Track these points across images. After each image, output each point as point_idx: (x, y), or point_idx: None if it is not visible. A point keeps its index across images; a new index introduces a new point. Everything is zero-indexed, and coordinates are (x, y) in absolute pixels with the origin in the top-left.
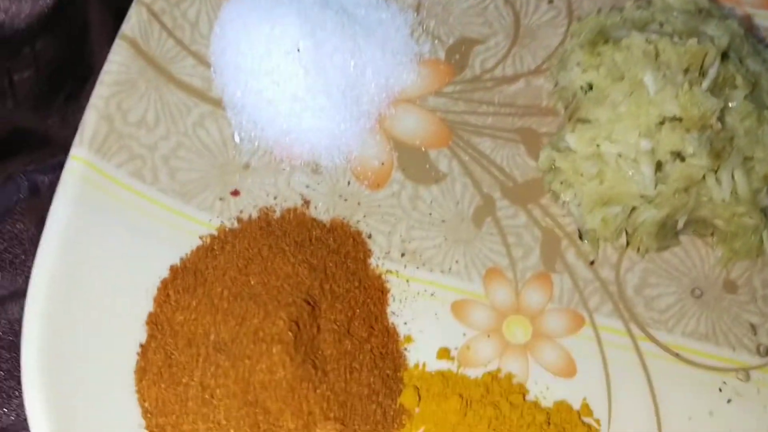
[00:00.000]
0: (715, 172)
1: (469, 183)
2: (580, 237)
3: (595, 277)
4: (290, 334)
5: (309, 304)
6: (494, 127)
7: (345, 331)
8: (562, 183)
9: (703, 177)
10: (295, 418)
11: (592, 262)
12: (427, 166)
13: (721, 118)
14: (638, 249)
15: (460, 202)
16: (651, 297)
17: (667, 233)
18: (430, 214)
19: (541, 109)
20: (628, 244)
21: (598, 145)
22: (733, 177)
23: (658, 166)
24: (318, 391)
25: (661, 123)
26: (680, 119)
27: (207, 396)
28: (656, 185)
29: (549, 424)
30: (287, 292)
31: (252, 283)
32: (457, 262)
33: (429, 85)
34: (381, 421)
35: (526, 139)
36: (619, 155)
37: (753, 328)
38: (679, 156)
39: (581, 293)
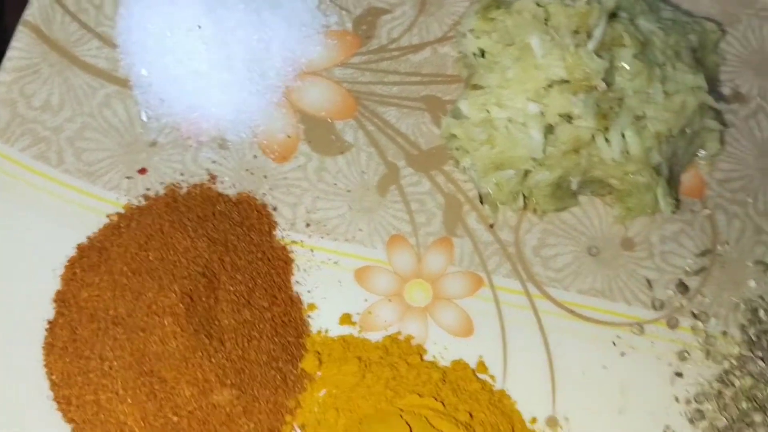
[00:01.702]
0: (605, 132)
1: (374, 152)
2: (481, 201)
3: (494, 240)
4: (182, 306)
5: (206, 276)
6: (400, 96)
7: (245, 301)
8: (457, 149)
9: (593, 138)
10: (191, 386)
11: (491, 226)
12: (333, 137)
13: (609, 79)
14: (535, 210)
15: (365, 172)
16: (548, 257)
17: (563, 194)
18: (336, 184)
19: (446, 77)
20: (525, 206)
21: (488, 111)
22: (624, 136)
23: (549, 129)
24: (213, 359)
25: (550, 86)
26: (567, 81)
27: (106, 368)
28: (546, 148)
29: (444, 381)
30: (183, 266)
31: (150, 258)
32: (361, 230)
33: (335, 57)
34: (281, 386)
35: (431, 108)
36: (509, 120)
37: (649, 283)
38: (568, 118)
39: (481, 256)
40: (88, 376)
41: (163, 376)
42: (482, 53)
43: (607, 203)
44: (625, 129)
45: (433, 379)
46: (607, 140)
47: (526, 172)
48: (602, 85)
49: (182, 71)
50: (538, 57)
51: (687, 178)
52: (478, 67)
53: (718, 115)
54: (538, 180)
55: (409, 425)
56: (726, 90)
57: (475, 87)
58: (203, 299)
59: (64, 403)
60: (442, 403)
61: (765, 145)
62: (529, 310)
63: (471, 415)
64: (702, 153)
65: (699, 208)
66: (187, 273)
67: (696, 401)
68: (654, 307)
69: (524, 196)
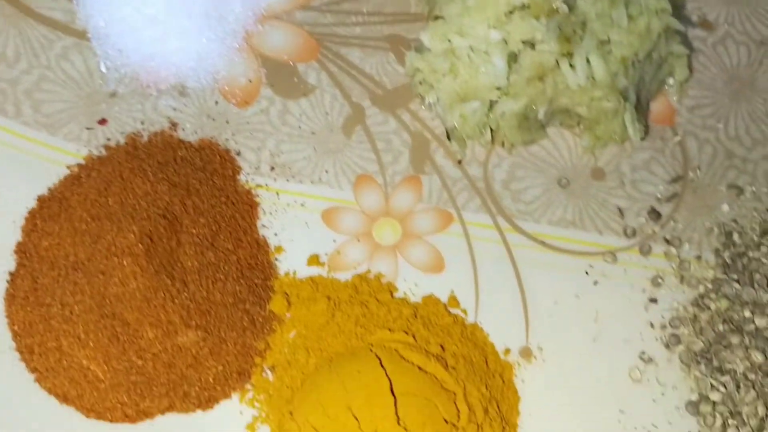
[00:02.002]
0: (569, 57)
1: (338, 94)
2: (448, 137)
3: (463, 175)
4: (141, 246)
5: (166, 218)
6: (363, 36)
7: (209, 244)
8: (422, 84)
9: (558, 64)
10: (154, 328)
11: (459, 161)
12: (296, 80)
13: (570, 2)
14: (503, 144)
15: (329, 114)
16: (518, 190)
17: (530, 126)
18: (300, 127)
19: (409, 15)
20: (493, 140)
21: (449, 41)
22: (588, 62)
23: (513, 56)
24: (176, 300)
25: (511, 12)
26: (528, 7)
27: (67, 313)
28: (509, 76)
29: (416, 317)
30: (143, 208)
31: (110, 203)
32: (327, 171)
33: (296, 0)
34: (249, 328)
35: (394, 47)
36: (471, 49)
37: (620, 211)
38: (531, 45)
39: (450, 192)
40: (49, 324)
41: (125, 318)
42: None
43: (576, 134)
44: (589, 54)
45: (404, 314)
46: (571, 66)
47: (492, 103)
48: (563, 8)
49: (140, 20)
50: None
51: (656, 106)
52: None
53: (686, 41)
54: (504, 110)
55: (379, 358)
56: (694, 18)
57: (437, 18)
58: (164, 241)
59: (27, 352)
60: (414, 337)
61: (734, 71)
62: (500, 243)
63: (443, 347)
64: (671, 80)
65: (669, 135)
66: (147, 215)
67: (671, 326)
68: (626, 235)
69: (491, 130)
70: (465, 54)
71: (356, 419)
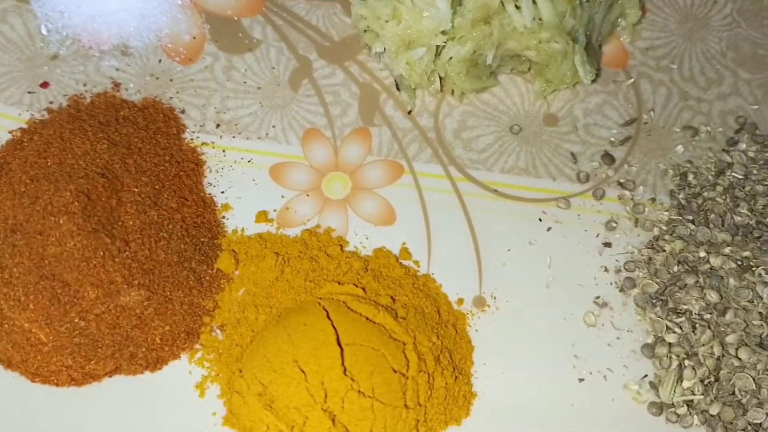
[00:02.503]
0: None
1: (284, 47)
2: (397, 88)
3: (413, 126)
4: (78, 204)
5: (105, 177)
6: None
7: (152, 202)
8: (367, 32)
9: (503, 5)
10: (95, 288)
11: (409, 112)
12: (241, 35)
13: None
14: (453, 92)
15: (275, 68)
16: (469, 139)
17: (480, 73)
18: (245, 83)
19: None
20: (443, 89)
21: None
22: (535, 3)
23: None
24: (117, 260)
25: None
26: None
27: (6, 276)
28: (454, 19)
29: (367, 270)
30: (81, 167)
31: (49, 164)
32: (273, 126)
33: None
34: (196, 287)
35: None
36: None
37: (573, 156)
38: None
39: (400, 143)
40: None
41: (65, 278)
42: None
43: (528, 80)
44: None
45: (354, 268)
46: (517, 7)
47: (439, 50)
48: None
49: None
50: None
51: (609, 49)
52: None
53: None
54: (451, 56)
55: (326, 311)
56: None
57: None
58: (103, 199)
59: None
60: (363, 289)
61: (688, 10)
62: (452, 193)
63: (393, 299)
64: (623, 22)
65: (623, 78)
66: (85, 174)
67: (626, 269)
68: (579, 180)
69: (441, 78)
70: None
71: (303, 372)
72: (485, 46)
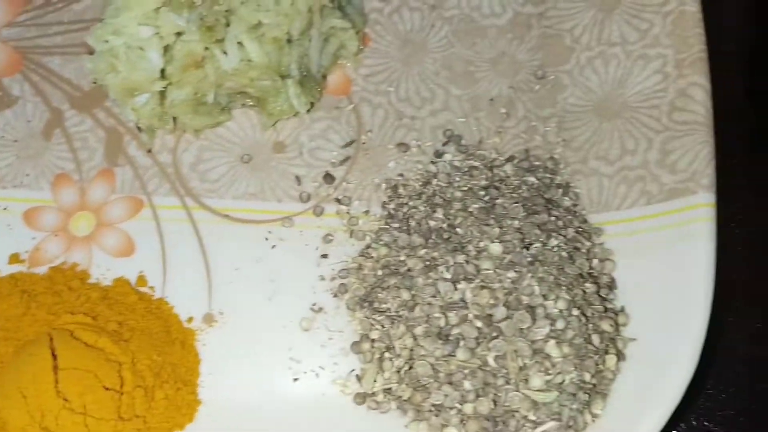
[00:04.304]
0: (222, 44)
1: (39, 101)
2: (139, 129)
3: (154, 163)
4: None
5: None
6: (64, 44)
7: None
8: (94, 83)
9: (210, 51)
10: None
11: (149, 151)
12: (1, 93)
13: None
14: (190, 130)
15: (31, 121)
16: (205, 170)
17: (210, 110)
18: (3, 137)
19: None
20: (179, 127)
21: (107, 41)
22: (244, 46)
23: (170, 49)
24: None
25: (159, 9)
26: (171, 2)
27: None
28: (166, 67)
29: (105, 299)
30: None
31: None
32: (27, 175)
33: (2, 18)
34: None
35: (91, 50)
36: (127, 46)
37: (298, 179)
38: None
39: (141, 180)
40: None
41: None
42: None
43: (259, 113)
44: (240, 38)
45: (92, 298)
46: (223, 51)
47: (163, 94)
48: (199, 0)
49: None
50: None
51: (334, 78)
52: (104, 2)
53: (361, 16)
54: (173, 99)
55: (52, 339)
56: None
57: (101, 20)
58: None
59: None
60: (95, 317)
61: (407, 35)
62: (187, 222)
63: (121, 324)
64: (345, 53)
65: (345, 104)
66: None
67: (340, 277)
68: (302, 200)
69: (174, 119)
70: (123, 51)
71: (24, 397)
72: (204, 87)
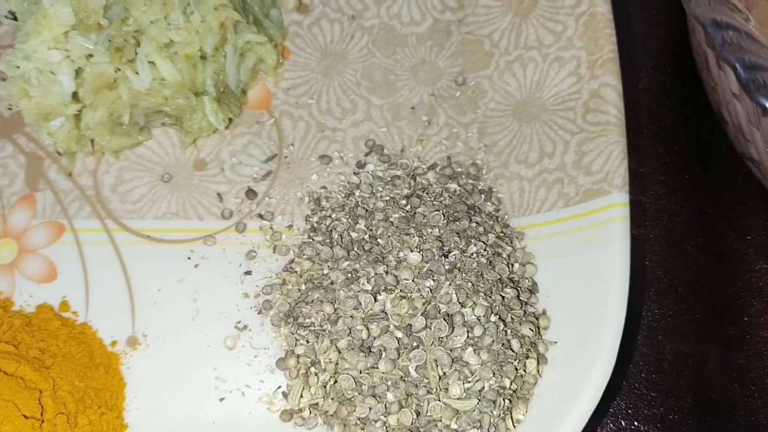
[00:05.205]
0: (132, 65)
1: None
2: (59, 153)
3: (74, 187)
4: None
5: None
6: None
7: None
8: (10, 108)
9: (121, 72)
10: None
11: (69, 174)
12: None
13: (126, 14)
14: (109, 152)
15: None
16: (125, 191)
17: (128, 130)
18: None
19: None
20: (98, 149)
21: (18, 67)
22: (155, 65)
23: (81, 71)
24: None
25: (67, 33)
26: (78, 26)
27: None
28: (78, 90)
29: (28, 325)
30: None
31: None
32: None
33: None
34: None
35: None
36: (39, 71)
37: (219, 196)
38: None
39: (62, 204)
40: None
41: None
42: (14, 15)
43: (179, 131)
44: (151, 58)
45: (14, 326)
46: (134, 71)
47: (78, 117)
48: (105, 22)
49: None
50: (48, 7)
51: (255, 93)
52: (15, 28)
53: (279, 29)
54: (88, 121)
55: None
56: (290, 4)
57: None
58: None
59: None
60: (16, 346)
61: (327, 47)
62: (109, 244)
63: (43, 351)
64: (264, 66)
65: (266, 118)
66: None
67: (264, 293)
68: (224, 217)
69: (93, 141)
70: (34, 76)
71: None
72: (119, 108)
